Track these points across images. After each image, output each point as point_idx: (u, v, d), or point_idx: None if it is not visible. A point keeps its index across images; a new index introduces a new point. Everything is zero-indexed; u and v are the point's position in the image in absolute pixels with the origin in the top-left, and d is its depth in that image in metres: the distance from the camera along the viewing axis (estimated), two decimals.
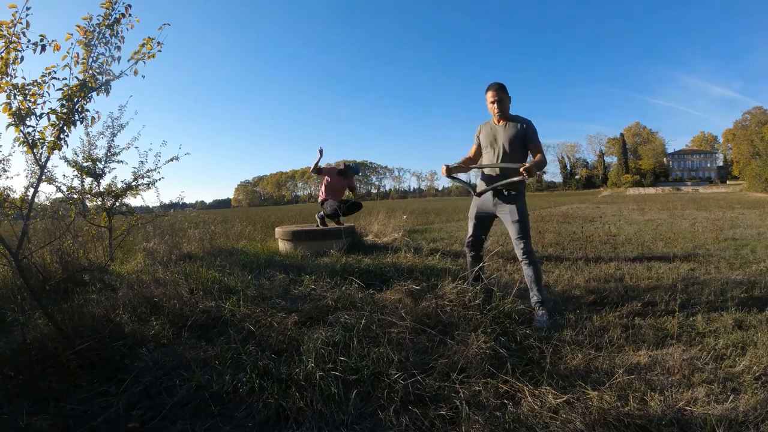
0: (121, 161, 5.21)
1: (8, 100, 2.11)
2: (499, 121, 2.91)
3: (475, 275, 2.96)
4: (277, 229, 6.22)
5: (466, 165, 3.12)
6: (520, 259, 2.81)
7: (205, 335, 2.44)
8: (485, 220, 3.04)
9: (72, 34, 2.22)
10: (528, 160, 2.87)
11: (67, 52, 2.22)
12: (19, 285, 3.06)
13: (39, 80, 2.16)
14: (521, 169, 2.60)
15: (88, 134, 4.98)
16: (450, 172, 3.03)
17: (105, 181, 5.16)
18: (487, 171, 2.98)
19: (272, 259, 4.88)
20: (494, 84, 2.88)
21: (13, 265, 2.41)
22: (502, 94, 2.85)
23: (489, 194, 2.91)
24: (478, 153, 3.08)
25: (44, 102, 2.20)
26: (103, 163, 5.07)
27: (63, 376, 1.96)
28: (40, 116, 2.21)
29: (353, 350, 2.03)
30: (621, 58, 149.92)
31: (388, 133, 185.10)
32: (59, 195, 4.74)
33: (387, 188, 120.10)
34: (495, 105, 2.86)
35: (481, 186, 2.99)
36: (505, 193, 2.84)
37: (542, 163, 2.78)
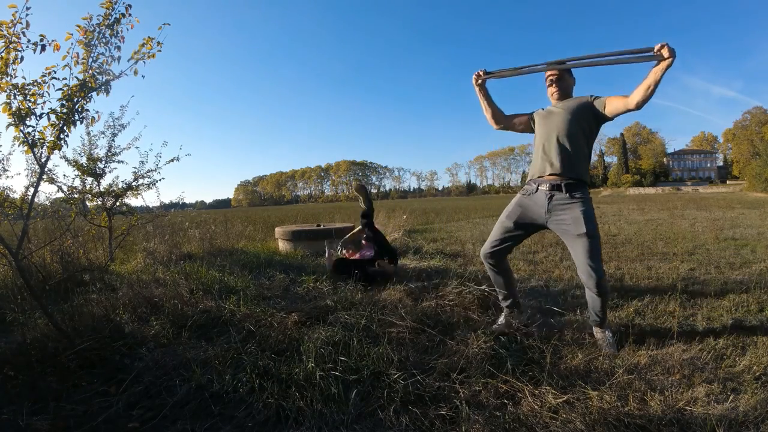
0: (122, 161, 5.20)
1: (8, 100, 2.11)
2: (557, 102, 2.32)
3: (512, 300, 2.44)
4: (277, 229, 6.22)
5: (503, 115, 2.46)
6: (588, 287, 2.17)
7: (205, 335, 2.44)
8: (526, 229, 2.33)
9: (72, 34, 2.22)
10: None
11: (67, 52, 2.22)
12: (19, 285, 3.06)
13: (39, 80, 2.16)
14: (660, 51, 1.79)
15: (89, 133, 4.98)
16: (483, 77, 2.35)
17: (105, 181, 5.16)
18: (537, 164, 2.27)
19: (272, 259, 4.88)
20: (556, 63, 2.22)
21: (13, 265, 2.41)
22: (563, 72, 2.27)
23: (541, 195, 2.21)
24: (518, 122, 2.45)
25: (44, 102, 2.19)
26: (103, 162, 5.06)
27: (63, 376, 1.96)
28: (40, 116, 2.21)
29: (353, 350, 2.03)
30: None
31: (388, 133, 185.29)
32: (59, 195, 4.74)
33: (387, 188, 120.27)
34: (554, 86, 2.28)
35: (530, 190, 2.29)
36: (565, 191, 2.14)
37: (653, 87, 1.89)
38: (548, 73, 2.27)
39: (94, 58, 2.30)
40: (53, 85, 2.21)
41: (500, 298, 2.51)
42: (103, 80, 2.35)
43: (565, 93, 2.28)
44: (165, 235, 5.44)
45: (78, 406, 1.74)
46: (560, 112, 2.22)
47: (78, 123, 2.32)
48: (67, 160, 4.82)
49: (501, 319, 2.49)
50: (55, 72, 2.20)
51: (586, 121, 2.16)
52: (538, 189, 2.24)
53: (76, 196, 4.85)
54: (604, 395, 1.65)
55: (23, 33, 2.06)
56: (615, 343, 2.22)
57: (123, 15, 2.32)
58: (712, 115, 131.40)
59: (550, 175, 2.19)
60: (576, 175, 2.15)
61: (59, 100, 2.23)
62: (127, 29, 2.37)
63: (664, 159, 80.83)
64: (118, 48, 2.36)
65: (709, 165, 78.58)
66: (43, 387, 1.88)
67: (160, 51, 2.44)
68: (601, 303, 2.20)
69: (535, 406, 1.62)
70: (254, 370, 1.88)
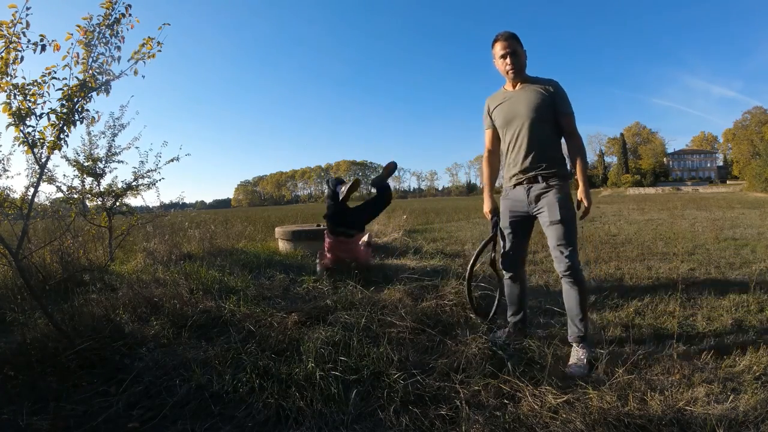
0: (122, 161, 5.21)
1: (8, 100, 2.11)
2: (515, 85, 2.18)
3: (521, 317, 2.34)
4: (277, 229, 6.22)
5: (493, 167, 2.37)
6: (560, 274, 2.09)
7: (205, 335, 2.44)
8: (522, 226, 2.24)
9: (72, 34, 2.22)
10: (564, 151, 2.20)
11: (67, 52, 2.22)
12: (19, 285, 3.05)
13: (39, 80, 2.16)
14: (581, 210, 2.07)
15: (89, 133, 4.98)
16: (495, 213, 2.31)
17: (105, 181, 5.16)
18: (510, 163, 2.23)
19: (272, 259, 4.88)
20: (504, 33, 2.12)
21: (13, 265, 2.41)
22: (515, 45, 2.11)
23: (519, 190, 2.17)
24: (496, 138, 2.32)
25: (44, 102, 2.20)
26: (103, 162, 5.07)
27: (63, 376, 1.96)
28: (40, 116, 2.21)
29: (353, 350, 2.03)
30: (621, 58, 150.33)
31: (388, 133, 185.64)
32: (59, 195, 4.74)
33: None
34: (508, 59, 2.11)
35: (508, 189, 2.26)
36: (542, 181, 2.11)
37: (583, 154, 2.13)
38: (501, 46, 2.12)
39: (94, 58, 2.30)
40: (53, 85, 2.21)
41: (509, 312, 2.37)
42: (103, 80, 2.35)
43: (520, 68, 2.15)
44: (165, 235, 5.44)
45: (78, 406, 1.74)
46: (521, 101, 2.13)
47: (78, 123, 2.32)
48: (67, 159, 4.82)
49: (502, 333, 2.35)
50: (55, 72, 2.20)
51: (548, 111, 2.10)
52: (515, 186, 2.20)
53: (75, 196, 4.86)
54: (604, 395, 1.65)
55: (23, 33, 2.06)
56: (585, 368, 1.96)
57: (123, 15, 2.32)
58: (712, 115, 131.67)
59: (523, 170, 2.15)
60: (550, 163, 2.12)
61: (59, 100, 2.23)
62: (127, 29, 2.38)
63: (664, 159, 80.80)
64: (118, 48, 2.37)
65: (709, 165, 78.56)
66: (43, 387, 1.88)
67: (160, 51, 2.44)
68: (578, 300, 2.07)
69: (535, 406, 1.62)
70: (254, 370, 1.88)
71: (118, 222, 5.43)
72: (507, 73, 2.16)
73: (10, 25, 2.03)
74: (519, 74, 2.15)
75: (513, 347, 2.14)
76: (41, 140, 2.24)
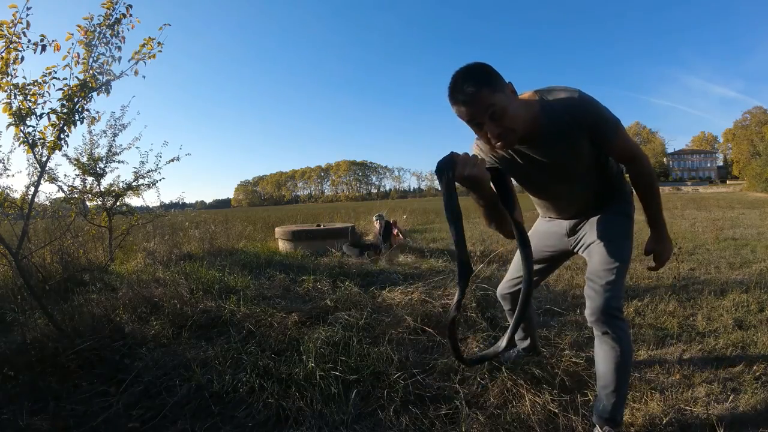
0: (122, 161, 5.21)
1: (8, 100, 2.11)
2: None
3: (530, 343, 1.98)
4: (277, 229, 6.22)
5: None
6: (589, 320, 1.39)
7: (205, 335, 2.44)
8: (551, 261, 1.76)
9: (72, 34, 2.22)
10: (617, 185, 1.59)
11: (68, 52, 2.22)
12: (19, 285, 3.05)
13: (39, 80, 2.17)
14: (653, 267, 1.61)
15: (90, 132, 4.98)
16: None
17: (106, 181, 5.16)
18: (542, 208, 1.71)
19: (272, 258, 4.88)
20: (460, 88, 1.15)
21: (13, 265, 2.42)
22: (489, 98, 1.14)
23: (561, 222, 1.64)
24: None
25: (44, 102, 2.20)
26: (104, 162, 5.07)
27: (63, 376, 1.96)
28: (41, 116, 2.22)
29: (353, 350, 2.03)
30: (621, 58, 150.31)
31: (388, 133, 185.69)
32: (60, 195, 4.74)
33: (387, 188, 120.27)
34: (489, 129, 1.20)
35: (545, 217, 1.75)
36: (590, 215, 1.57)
37: (648, 184, 1.49)
38: (465, 114, 1.19)
39: (95, 59, 2.31)
40: (54, 85, 2.22)
41: (517, 337, 1.98)
42: (104, 80, 2.35)
43: (514, 128, 1.21)
44: (165, 235, 5.45)
45: (78, 406, 1.74)
46: (540, 165, 1.37)
47: (78, 123, 2.33)
48: (68, 158, 4.83)
49: (511, 354, 2.03)
50: (56, 72, 2.21)
51: (589, 156, 1.36)
52: (553, 219, 1.70)
53: (76, 195, 4.86)
54: None
55: (24, 33, 2.07)
56: None
57: (124, 15, 2.33)
58: (712, 115, 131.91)
59: (565, 218, 1.64)
60: (605, 202, 1.56)
61: (60, 100, 2.24)
62: (128, 29, 2.39)
63: (664, 159, 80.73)
64: (119, 48, 2.37)
65: (709, 165, 78.50)
66: (43, 387, 1.88)
67: (160, 51, 2.45)
68: (617, 365, 1.36)
69: (536, 406, 1.62)
70: (254, 370, 1.88)
71: (118, 222, 5.43)
72: (495, 147, 1.27)
73: (10, 25, 2.03)
74: (518, 134, 1.23)
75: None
76: (41, 140, 2.25)
